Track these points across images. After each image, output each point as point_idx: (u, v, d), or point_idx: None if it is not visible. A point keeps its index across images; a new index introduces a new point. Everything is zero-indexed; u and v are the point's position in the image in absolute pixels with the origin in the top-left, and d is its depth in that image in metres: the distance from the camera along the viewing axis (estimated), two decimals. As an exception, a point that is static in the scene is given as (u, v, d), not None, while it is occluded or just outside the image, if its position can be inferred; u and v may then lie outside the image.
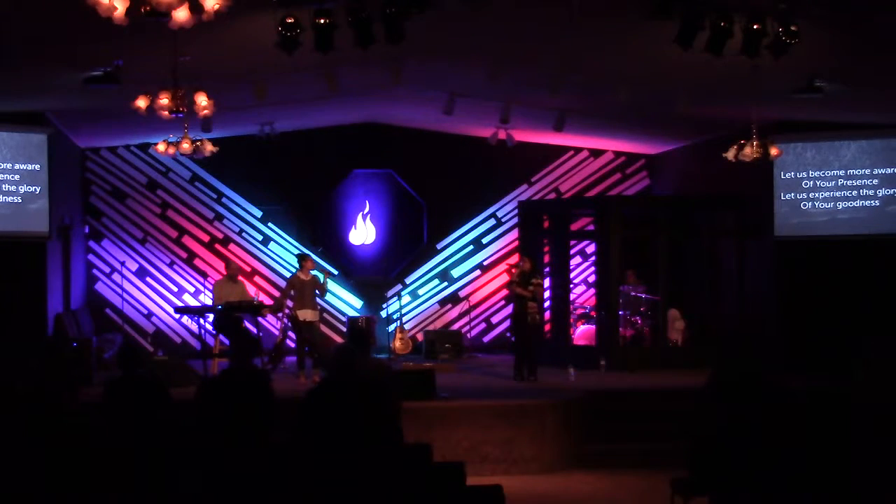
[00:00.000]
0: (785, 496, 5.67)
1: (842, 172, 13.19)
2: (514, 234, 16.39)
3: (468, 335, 16.35)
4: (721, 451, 5.79)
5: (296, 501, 5.62)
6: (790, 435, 5.74)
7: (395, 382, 7.70)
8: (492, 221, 16.83)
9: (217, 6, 5.92)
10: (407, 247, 16.62)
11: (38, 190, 12.48)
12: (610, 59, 10.52)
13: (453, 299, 16.70)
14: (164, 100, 8.67)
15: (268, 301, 14.99)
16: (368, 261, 16.52)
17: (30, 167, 12.43)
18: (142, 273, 15.74)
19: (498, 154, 15.64)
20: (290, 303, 12.59)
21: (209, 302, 13.86)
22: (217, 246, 16.00)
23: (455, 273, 16.74)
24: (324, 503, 5.60)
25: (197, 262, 15.90)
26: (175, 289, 15.80)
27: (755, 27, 7.98)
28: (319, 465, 5.80)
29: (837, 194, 13.22)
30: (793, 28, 7.90)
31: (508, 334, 15.95)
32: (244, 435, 6.30)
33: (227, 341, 13.32)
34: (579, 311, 15.53)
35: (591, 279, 16.19)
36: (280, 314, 13.93)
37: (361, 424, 6.18)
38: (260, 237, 16.17)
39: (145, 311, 15.74)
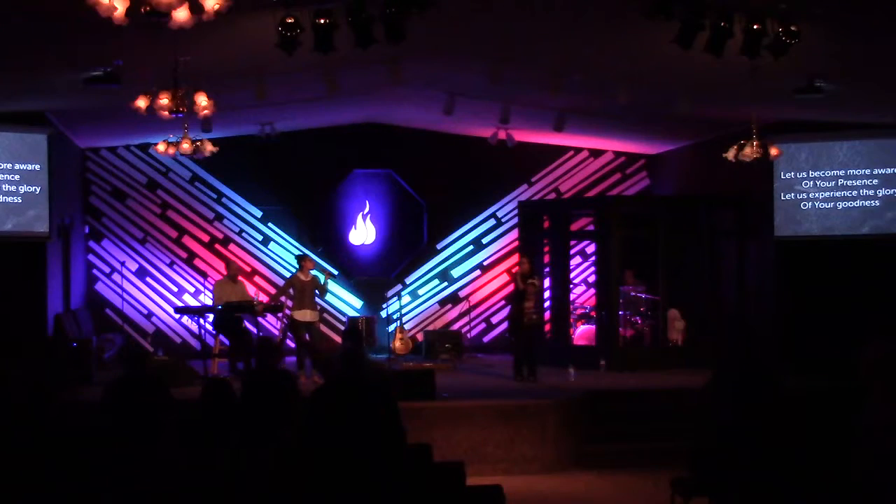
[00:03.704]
0: (786, 497, 5.67)
1: (841, 172, 13.18)
2: (514, 234, 16.40)
3: (468, 335, 16.35)
4: (723, 452, 5.79)
5: (297, 500, 5.62)
6: (792, 434, 5.73)
7: (392, 382, 7.71)
8: (492, 221, 16.83)
9: (217, 6, 5.92)
10: (407, 247, 16.62)
11: (38, 190, 12.48)
12: (610, 59, 10.52)
13: (453, 299, 16.71)
14: (164, 100, 8.67)
15: (268, 301, 14.99)
16: (368, 261, 16.52)
17: (30, 167, 12.43)
18: (142, 273, 15.74)
19: (498, 154, 15.64)
20: (289, 303, 12.59)
21: (209, 302, 13.85)
22: (217, 246, 16.01)
23: (455, 273, 16.74)
24: (325, 502, 5.60)
25: (197, 262, 15.90)
26: (175, 289, 15.80)
27: (755, 27, 7.98)
28: (321, 464, 5.80)
29: (837, 194, 13.22)
30: (793, 28, 7.90)
31: (508, 334, 15.94)
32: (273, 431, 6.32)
33: (227, 341, 13.34)
34: (579, 311, 15.53)
35: (591, 279, 16.18)
36: (280, 314, 13.92)
37: (365, 424, 6.19)
38: (260, 237, 16.17)
39: (145, 311, 15.74)
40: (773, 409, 5.85)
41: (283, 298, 13.07)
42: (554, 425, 10.64)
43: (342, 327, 16.16)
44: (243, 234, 16.11)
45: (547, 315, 15.06)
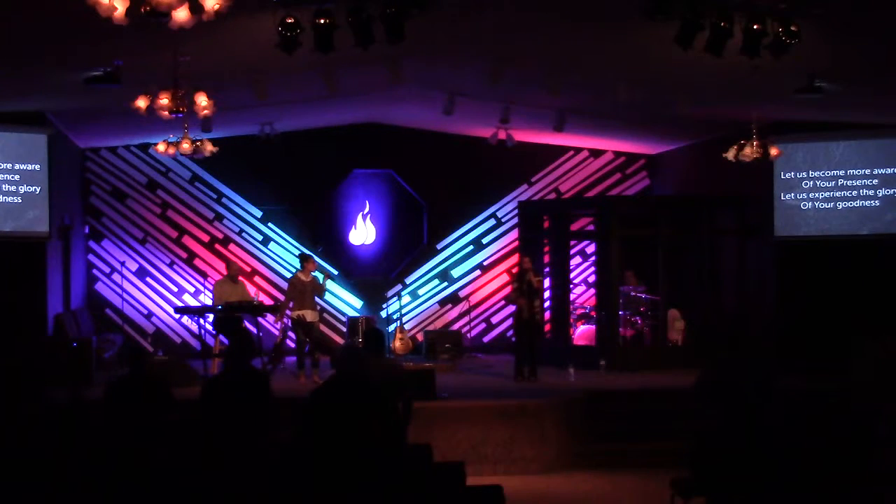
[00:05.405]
0: (782, 496, 5.67)
1: (841, 172, 13.18)
2: (514, 234, 16.40)
3: (468, 335, 16.35)
4: (717, 451, 5.79)
5: (297, 500, 5.62)
6: (787, 434, 5.73)
7: (406, 382, 7.69)
8: (492, 221, 16.83)
9: (217, 6, 5.93)
10: (407, 247, 16.63)
11: (38, 190, 12.48)
12: (610, 59, 10.52)
13: (453, 299, 16.71)
14: (164, 100, 8.69)
15: (268, 301, 15.00)
16: (368, 261, 16.52)
17: (30, 167, 12.44)
18: (142, 273, 15.74)
19: (498, 154, 15.64)
20: (290, 303, 12.59)
21: (209, 302, 13.86)
22: (217, 246, 16.01)
23: (455, 273, 16.74)
24: (324, 502, 5.60)
25: (197, 262, 15.90)
26: (175, 289, 15.80)
27: (755, 27, 7.98)
28: (321, 464, 5.80)
29: (837, 194, 13.22)
30: (793, 28, 7.90)
31: (509, 334, 15.95)
32: (246, 434, 6.30)
33: (227, 341, 13.33)
34: (579, 311, 15.52)
35: (591, 279, 16.18)
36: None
37: (364, 424, 6.19)
38: (260, 237, 16.17)
39: (145, 311, 15.75)
40: (763, 407, 5.85)
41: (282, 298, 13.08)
42: (554, 425, 10.64)
43: (342, 327, 16.17)
44: (243, 234, 16.11)
45: (547, 315, 15.06)
